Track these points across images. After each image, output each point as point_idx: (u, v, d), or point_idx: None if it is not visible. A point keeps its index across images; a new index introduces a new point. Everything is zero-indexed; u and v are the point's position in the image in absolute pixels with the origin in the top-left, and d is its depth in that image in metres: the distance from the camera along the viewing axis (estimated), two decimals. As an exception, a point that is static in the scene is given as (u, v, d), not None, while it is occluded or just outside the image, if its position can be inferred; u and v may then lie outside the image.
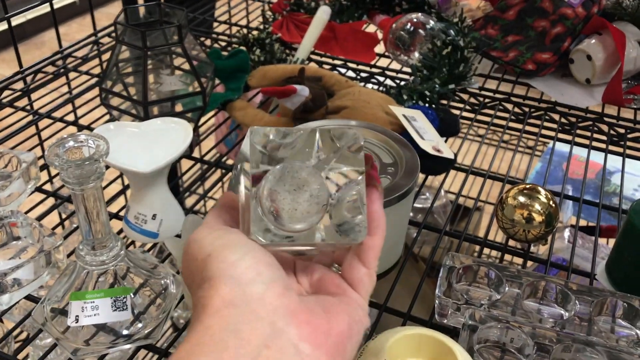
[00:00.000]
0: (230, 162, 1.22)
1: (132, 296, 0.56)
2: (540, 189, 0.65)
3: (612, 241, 1.33)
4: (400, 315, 0.59)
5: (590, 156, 0.84)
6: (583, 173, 0.81)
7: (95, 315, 0.54)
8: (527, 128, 0.92)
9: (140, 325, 0.55)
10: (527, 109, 0.93)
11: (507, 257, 1.39)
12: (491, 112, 0.93)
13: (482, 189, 0.78)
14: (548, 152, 1.62)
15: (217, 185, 1.48)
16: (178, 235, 0.65)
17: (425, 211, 1.41)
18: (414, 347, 0.48)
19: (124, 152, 0.60)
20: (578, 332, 0.54)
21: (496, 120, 0.92)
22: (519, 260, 1.40)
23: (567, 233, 1.37)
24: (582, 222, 1.46)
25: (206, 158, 0.86)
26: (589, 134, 0.89)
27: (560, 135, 0.91)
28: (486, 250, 1.42)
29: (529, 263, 0.69)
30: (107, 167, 0.57)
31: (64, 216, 0.87)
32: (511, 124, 0.92)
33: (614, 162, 1.02)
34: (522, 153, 1.73)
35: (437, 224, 1.40)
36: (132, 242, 0.67)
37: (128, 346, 0.55)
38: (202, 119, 0.87)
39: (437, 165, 0.75)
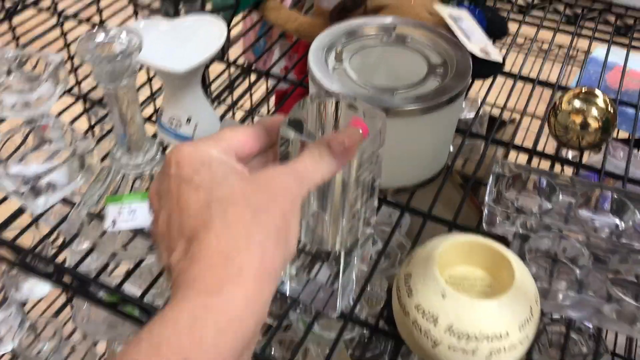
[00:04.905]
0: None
1: (170, 201, 0.54)
2: (598, 92, 0.61)
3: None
4: (446, 224, 0.57)
5: (634, 65, 0.79)
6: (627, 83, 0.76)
7: (132, 219, 0.53)
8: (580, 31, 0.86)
9: (178, 230, 0.54)
10: (579, 11, 0.87)
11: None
12: (540, 14, 0.87)
13: (530, 95, 0.73)
14: (591, 61, 1.54)
15: (246, 96, 1.45)
16: (213, 140, 0.63)
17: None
18: (465, 255, 0.45)
19: (157, 51, 0.56)
20: (636, 242, 0.51)
21: (546, 23, 0.86)
22: (567, 172, 1.36)
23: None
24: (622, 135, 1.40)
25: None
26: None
27: (616, 39, 0.84)
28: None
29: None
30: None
31: (94, 122, 0.85)
32: (562, 27, 0.86)
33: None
34: (566, 63, 1.64)
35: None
36: (165, 147, 0.65)
37: (167, 251, 0.54)
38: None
39: (484, 68, 0.70)
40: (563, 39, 0.87)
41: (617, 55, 0.85)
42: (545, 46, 1.60)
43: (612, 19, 0.85)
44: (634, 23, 0.84)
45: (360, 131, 0.38)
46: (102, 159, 0.65)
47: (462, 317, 0.41)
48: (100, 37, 0.45)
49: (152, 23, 0.60)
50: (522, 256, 0.50)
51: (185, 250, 0.32)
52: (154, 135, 0.64)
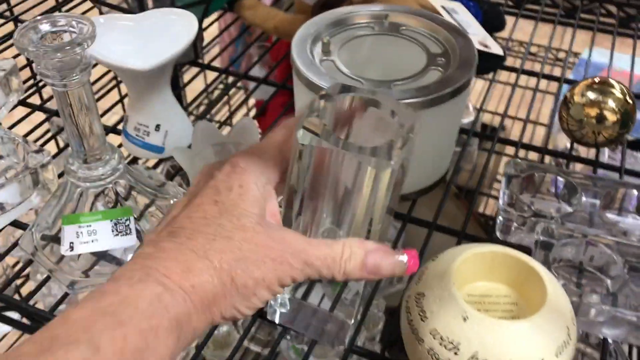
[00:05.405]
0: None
1: (137, 218, 0.47)
2: (613, 82, 0.55)
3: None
4: (454, 234, 0.50)
5: (623, 64, 0.74)
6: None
7: (93, 241, 0.45)
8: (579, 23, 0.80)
9: (147, 252, 0.47)
10: (578, 2, 0.81)
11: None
12: (537, 7, 0.82)
13: (534, 93, 0.67)
14: (581, 63, 1.49)
15: (224, 109, 1.37)
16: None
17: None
18: (485, 269, 0.39)
19: (118, 49, 0.49)
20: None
21: (544, 16, 0.81)
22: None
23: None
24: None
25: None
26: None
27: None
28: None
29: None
30: (109, 71, 0.47)
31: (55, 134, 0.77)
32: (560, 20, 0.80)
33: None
34: (554, 65, 1.59)
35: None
36: (135, 160, 0.58)
37: (135, 277, 0.46)
38: (204, 24, 0.76)
39: (484, 62, 0.64)
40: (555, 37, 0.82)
41: (604, 55, 0.80)
42: (533, 49, 1.56)
43: (613, 9, 0.80)
44: (638, 13, 0.78)
45: (406, 262, 0.34)
46: (62, 175, 0.58)
47: (487, 343, 0.34)
48: (46, 26, 0.38)
49: (114, 18, 0.53)
50: (546, 267, 0.44)
51: (160, 242, 0.32)
52: (120, 146, 0.57)
